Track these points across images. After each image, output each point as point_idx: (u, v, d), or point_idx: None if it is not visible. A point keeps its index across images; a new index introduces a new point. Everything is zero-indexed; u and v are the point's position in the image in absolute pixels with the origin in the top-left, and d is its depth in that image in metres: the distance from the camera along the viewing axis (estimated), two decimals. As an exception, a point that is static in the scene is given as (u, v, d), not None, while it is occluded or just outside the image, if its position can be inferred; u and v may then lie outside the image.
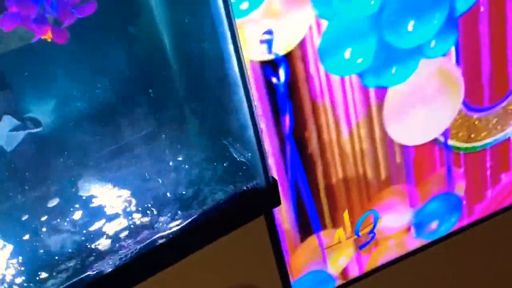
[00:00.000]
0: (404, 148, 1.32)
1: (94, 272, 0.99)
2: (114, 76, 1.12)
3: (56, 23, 0.88)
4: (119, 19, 1.09)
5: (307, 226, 1.31)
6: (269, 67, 1.10)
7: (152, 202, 1.07)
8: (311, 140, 1.20)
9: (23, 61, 1.02)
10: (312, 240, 1.34)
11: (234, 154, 1.12)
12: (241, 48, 0.95)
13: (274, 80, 1.12)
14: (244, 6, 1.04)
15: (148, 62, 1.14)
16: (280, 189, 1.22)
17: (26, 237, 1.04)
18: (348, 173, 1.28)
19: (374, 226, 1.39)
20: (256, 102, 1.13)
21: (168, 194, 1.08)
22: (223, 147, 1.14)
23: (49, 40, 0.88)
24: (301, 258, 1.35)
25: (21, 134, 1.01)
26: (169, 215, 1.05)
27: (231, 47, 0.95)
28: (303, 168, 1.23)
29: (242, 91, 0.99)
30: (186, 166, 1.13)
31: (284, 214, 1.28)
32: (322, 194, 1.28)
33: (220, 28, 0.95)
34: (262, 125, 1.16)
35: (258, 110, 1.14)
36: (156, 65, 1.15)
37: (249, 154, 1.08)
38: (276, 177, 1.22)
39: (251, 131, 1.03)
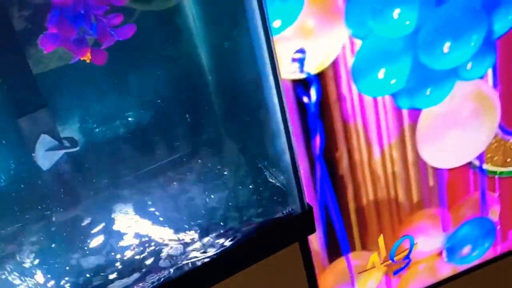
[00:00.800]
0: (437, 171, 1.29)
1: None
2: (151, 97, 1.12)
3: (96, 44, 0.88)
4: (157, 41, 1.09)
5: (336, 247, 1.29)
6: (300, 86, 1.09)
7: (185, 226, 1.07)
8: (342, 161, 1.18)
9: (61, 80, 1.03)
10: (341, 262, 1.32)
11: (270, 179, 1.12)
12: (279, 73, 0.94)
13: (305, 99, 1.10)
14: (277, 24, 1.03)
15: (186, 84, 1.14)
16: (309, 209, 1.21)
17: (59, 256, 1.04)
18: (379, 195, 1.26)
19: (410, 252, 1.37)
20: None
21: (202, 219, 1.07)
22: (258, 171, 1.13)
23: (88, 61, 0.88)
24: (329, 279, 1.33)
25: (58, 154, 1.02)
26: (202, 240, 1.04)
27: (269, 71, 0.95)
28: (333, 190, 1.21)
29: (279, 115, 0.99)
30: (220, 190, 1.12)
31: (313, 235, 1.25)
32: (352, 216, 1.26)
33: (259, 52, 0.94)
34: (292, 145, 1.14)
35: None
36: (193, 87, 1.15)
37: (285, 179, 1.07)
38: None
39: (287, 156, 1.02)
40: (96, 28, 0.87)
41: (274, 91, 0.97)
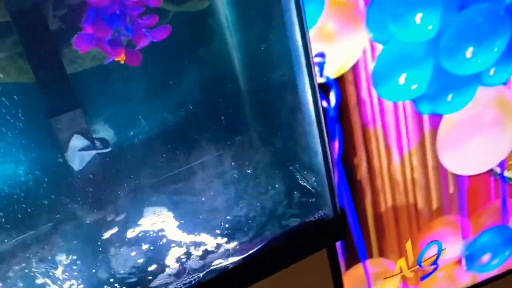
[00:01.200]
0: (457, 177, 1.27)
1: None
2: (183, 98, 1.12)
3: (129, 45, 0.88)
4: (191, 42, 1.09)
5: (353, 254, 1.27)
6: (319, 90, 1.07)
7: (215, 229, 1.07)
8: (361, 166, 1.17)
9: (95, 81, 1.03)
10: (358, 268, 1.30)
11: (301, 182, 1.10)
12: (315, 75, 0.94)
13: (324, 103, 1.09)
14: (297, 27, 1.01)
15: (218, 85, 1.14)
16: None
17: (90, 256, 1.05)
18: (398, 202, 1.24)
19: (438, 257, 1.35)
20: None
21: (233, 222, 1.07)
22: (290, 174, 1.12)
23: (122, 62, 0.88)
24: (345, 286, 1.32)
25: (90, 154, 1.02)
26: (231, 243, 1.04)
27: (305, 74, 0.95)
28: (351, 195, 1.19)
29: (314, 117, 0.98)
30: (251, 193, 1.12)
31: (329, 241, 1.24)
32: (370, 222, 1.24)
33: (295, 54, 0.94)
34: (310, 149, 1.13)
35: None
36: (226, 89, 1.15)
37: (317, 182, 1.06)
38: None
39: (320, 158, 1.02)
40: (131, 29, 0.86)
41: (309, 94, 0.96)
